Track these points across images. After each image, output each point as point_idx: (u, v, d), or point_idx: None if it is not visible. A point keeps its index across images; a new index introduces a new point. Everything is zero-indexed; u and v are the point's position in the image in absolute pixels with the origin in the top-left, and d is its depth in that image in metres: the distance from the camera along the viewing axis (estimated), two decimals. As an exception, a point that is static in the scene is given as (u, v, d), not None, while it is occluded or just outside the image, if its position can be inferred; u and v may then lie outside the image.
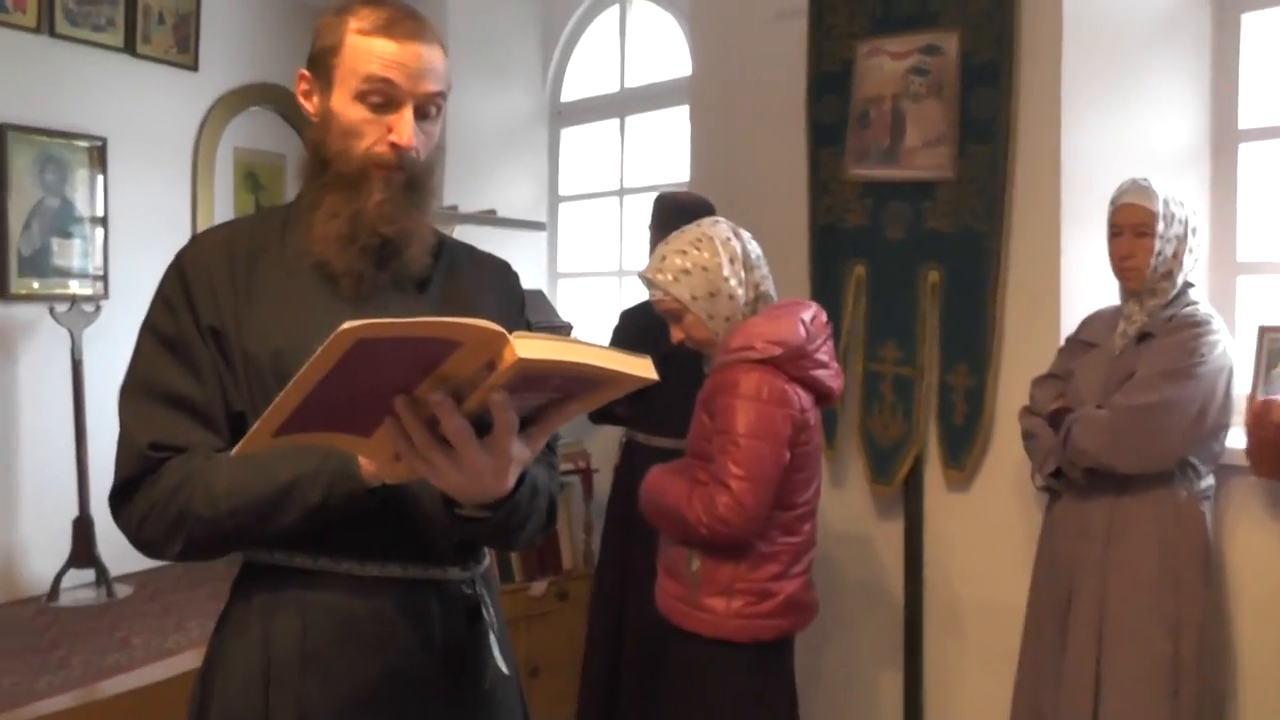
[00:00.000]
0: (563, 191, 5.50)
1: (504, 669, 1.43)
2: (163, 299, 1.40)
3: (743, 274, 2.41)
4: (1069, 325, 2.82)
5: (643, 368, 1.12)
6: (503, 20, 5.34)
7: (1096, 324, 2.69)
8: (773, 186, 3.52)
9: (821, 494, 2.49)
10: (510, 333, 1.00)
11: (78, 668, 4.04)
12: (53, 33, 4.84)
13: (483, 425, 1.10)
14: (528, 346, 1.00)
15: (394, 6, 1.40)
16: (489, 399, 1.06)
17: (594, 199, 5.33)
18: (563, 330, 4.35)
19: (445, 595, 1.42)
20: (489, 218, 4.82)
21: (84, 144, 5.13)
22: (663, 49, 4.84)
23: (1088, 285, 2.89)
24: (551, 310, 4.84)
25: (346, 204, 1.38)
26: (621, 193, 5.10)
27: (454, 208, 4.85)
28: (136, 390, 1.37)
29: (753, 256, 2.44)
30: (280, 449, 1.23)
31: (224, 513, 1.28)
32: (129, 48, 5.23)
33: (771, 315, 2.39)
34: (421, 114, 1.40)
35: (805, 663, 2.74)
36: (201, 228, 5.21)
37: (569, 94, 5.42)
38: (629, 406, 3.04)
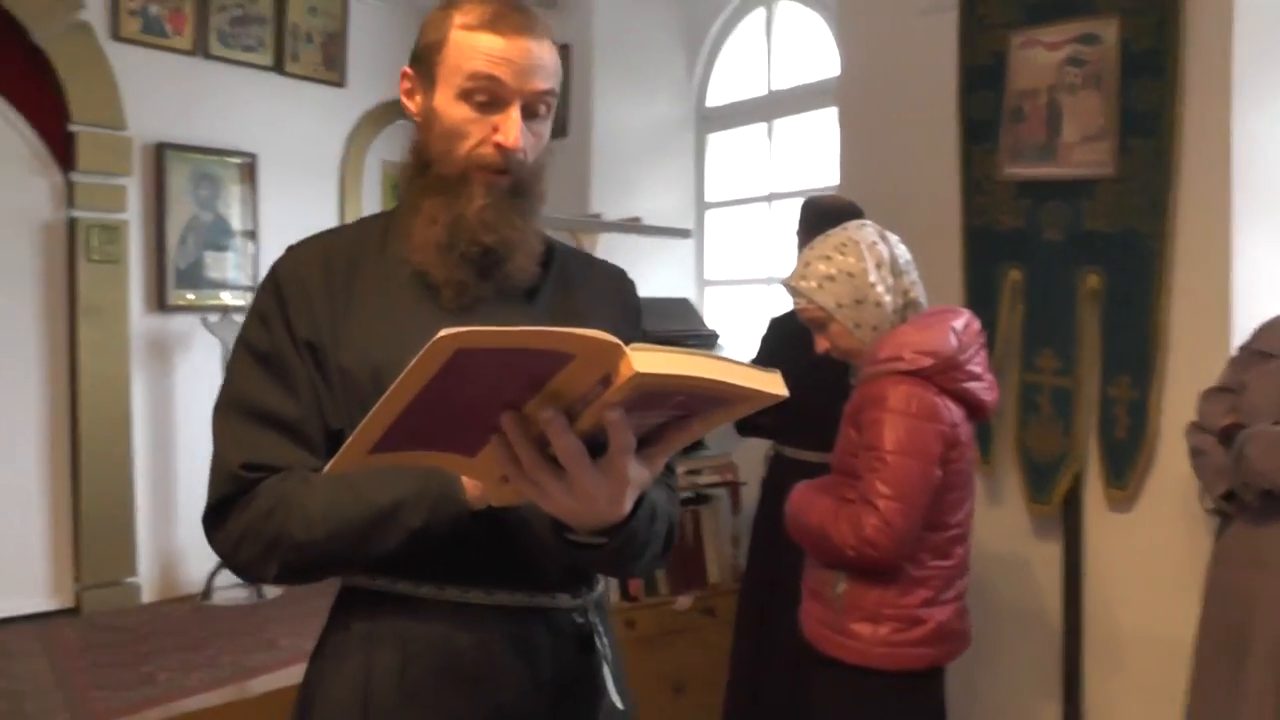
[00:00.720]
0: (709, 198, 5.42)
1: (619, 704, 1.33)
2: (257, 313, 1.33)
3: (890, 280, 2.28)
4: (1241, 333, 2.60)
5: (772, 384, 1.00)
6: (648, 26, 5.30)
7: (1274, 332, 2.46)
8: (924, 188, 3.37)
9: (976, 513, 2.34)
10: (628, 345, 0.91)
11: (227, 666, 4.15)
12: (206, 54, 5.02)
13: (597, 445, 1.01)
14: (646, 360, 0.91)
15: (502, 0, 1.31)
16: (604, 417, 0.96)
17: (741, 205, 5.23)
18: (709, 340, 4.25)
19: (555, 624, 1.33)
20: (634, 225, 4.76)
21: (236, 160, 5.30)
22: (810, 50, 4.71)
23: (1263, 290, 2.68)
24: (698, 319, 4.76)
25: (446, 209, 1.30)
26: (770, 198, 4.98)
27: (598, 216, 4.83)
28: (229, 408, 1.31)
29: (901, 261, 2.30)
30: (379, 469, 1.19)
31: (320, 537, 1.21)
32: (278, 67, 5.39)
33: (921, 324, 2.25)
34: (530, 113, 1.30)
35: (957, 690, 2.58)
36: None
37: (715, 99, 5.34)
38: (775, 418, 2.94)
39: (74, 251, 4.55)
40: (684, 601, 3.57)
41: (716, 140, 5.36)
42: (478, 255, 1.30)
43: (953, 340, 2.19)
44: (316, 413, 1.28)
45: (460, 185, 1.29)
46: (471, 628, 1.27)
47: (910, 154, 3.46)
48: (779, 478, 3.13)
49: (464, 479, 1.16)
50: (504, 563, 1.27)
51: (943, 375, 2.18)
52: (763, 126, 4.95)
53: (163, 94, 4.86)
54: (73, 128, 4.57)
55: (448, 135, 1.30)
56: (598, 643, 1.34)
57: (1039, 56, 2.97)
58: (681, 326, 4.02)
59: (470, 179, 1.29)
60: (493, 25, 1.27)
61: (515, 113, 1.28)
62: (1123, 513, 2.90)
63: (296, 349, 1.29)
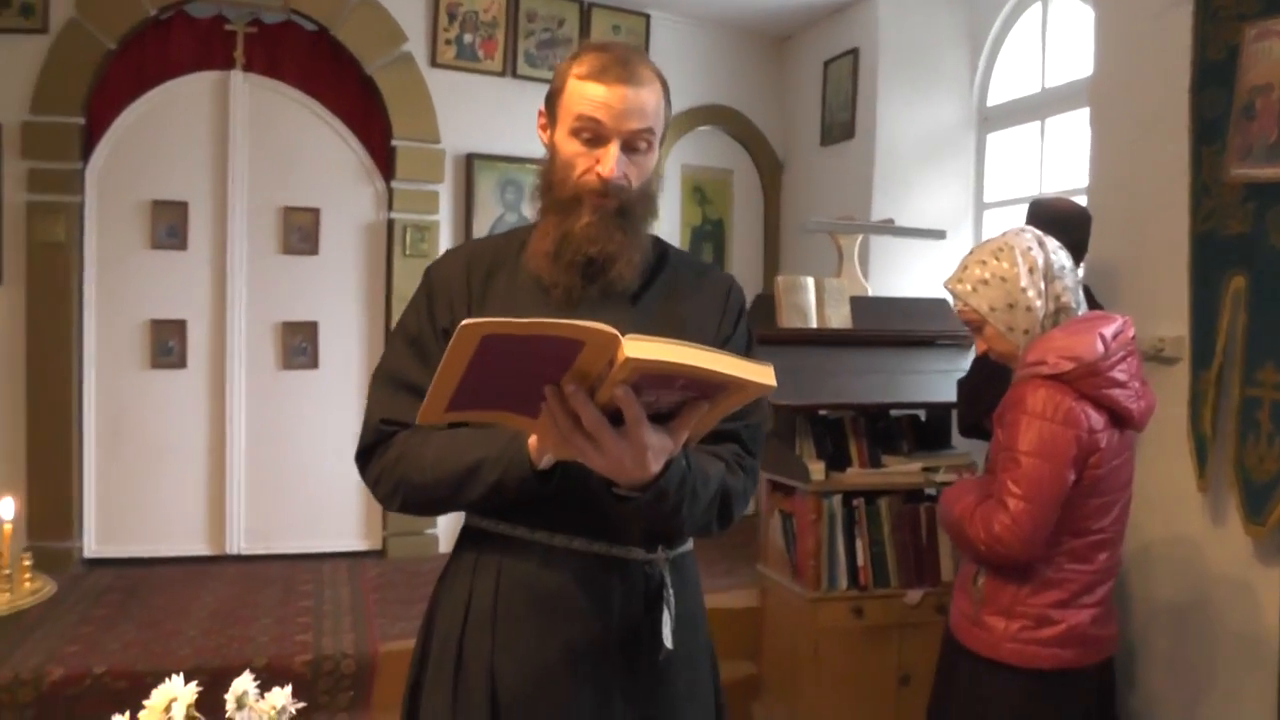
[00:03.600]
0: (988, 198, 5.36)
1: (669, 644, 1.56)
2: (413, 302, 1.71)
3: (1042, 285, 2.31)
4: None
5: (762, 374, 1.23)
6: (932, 27, 5.30)
7: None
8: (1159, 192, 3.24)
9: (1198, 533, 2.28)
10: (651, 336, 1.15)
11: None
12: (514, 74, 5.58)
13: (619, 416, 1.26)
14: (636, 347, 1.15)
15: (612, 54, 1.58)
16: (614, 394, 1.22)
17: (1017, 205, 5.13)
18: (964, 342, 4.25)
19: (628, 574, 1.58)
20: (888, 227, 4.84)
21: (537, 167, 5.84)
22: (1083, 45, 4.55)
23: None
24: (956, 320, 4.75)
25: (558, 226, 1.59)
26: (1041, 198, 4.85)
27: (850, 217, 4.94)
28: (381, 375, 1.68)
29: (1055, 267, 2.33)
30: (479, 432, 1.51)
31: (430, 481, 1.54)
32: (583, 83, 5.83)
33: (1071, 329, 2.27)
34: (630, 148, 1.57)
35: (1174, 717, 2.49)
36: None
37: (995, 98, 5.27)
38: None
39: (391, 247, 5.25)
40: (914, 596, 3.61)
41: (995, 140, 5.28)
42: (582, 263, 1.58)
43: (1099, 346, 2.20)
44: None
45: (573, 206, 1.58)
46: (554, 567, 1.57)
47: (1151, 157, 3.33)
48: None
49: (532, 438, 1.44)
50: (585, 516, 1.54)
51: (1084, 380, 2.20)
52: (1036, 125, 4.84)
53: (473, 111, 5.46)
54: (394, 143, 5.25)
55: (563, 165, 1.60)
56: (664, 594, 1.58)
57: (1274, 48, 2.80)
58: (939, 327, 4.05)
59: (582, 201, 1.58)
60: (598, 76, 1.56)
61: (614, 148, 1.56)
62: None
63: (435, 334, 1.64)
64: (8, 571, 1.71)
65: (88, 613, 4.11)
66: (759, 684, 3.98)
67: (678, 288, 1.69)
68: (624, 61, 1.57)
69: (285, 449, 5.06)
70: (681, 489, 1.41)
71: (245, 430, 5.06)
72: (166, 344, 4.93)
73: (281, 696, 1.24)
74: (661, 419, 1.30)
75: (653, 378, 1.19)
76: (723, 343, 1.65)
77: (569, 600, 1.56)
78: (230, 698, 1.21)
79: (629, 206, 1.59)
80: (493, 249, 1.72)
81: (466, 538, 1.68)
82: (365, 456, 1.64)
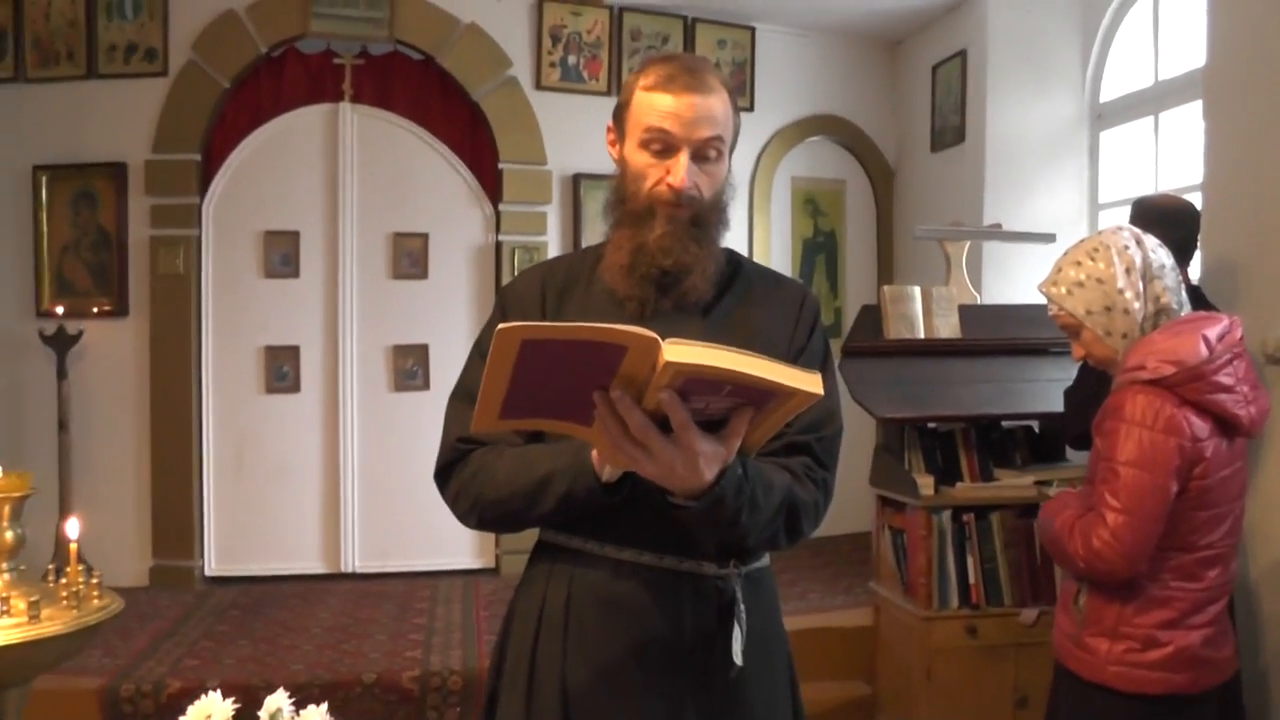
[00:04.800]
0: (1103, 199, 5.14)
1: (739, 661, 1.51)
2: (488, 322, 1.72)
3: (1140, 286, 2.18)
4: None
5: (809, 383, 1.19)
6: (1042, 24, 5.12)
7: None
8: (1282, 182, 3.04)
9: None
10: (693, 341, 1.14)
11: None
12: (619, 93, 5.60)
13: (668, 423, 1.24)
14: (676, 351, 1.14)
15: (677, 64, 1.57)
16: (659, 398, 1.19)
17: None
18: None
19: (700, 588, 1.55)
20: (995, 232, 4.68)
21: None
22: (1200, 34, 4.32)
23: None
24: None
25: (631, 238, 1.58)
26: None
27: (958, 223, 4.78)
28: (457, 393, 1.68)
29: (1154, 266, 2.19)
30: (551, 445, 1.51)
31: (504, 496, 1.54)
32: (691, 97, 5.83)
33: (1172, 331, 2.13)
34: (700, 157, 1.56)
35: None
36: (758, 253, 5.74)
37: (1108, 93, 5.05)
38: None
39: (500, 270, 5.31)
40: (1029, 615, 3.47)
41: (1109, 138, 5.06)
42: (657, 275, 1.57)
43: (1202, 349, 2.07)
44: None
45: (646, 217, 1.58)
46: (624, 579, 1.55)
47: (1270, 147, 3.12)
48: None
49: (594, 454, 1.43)
50: (655, 529, 1.51)
51: (1186, 386, 2.06)
52: (1150, 121, 4.60)
53: (579, 131, 5.47)
54: (501, 166, 5.33)
55: (634, 177, 1.59)
56: (736, 609, 1.54)
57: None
58: (1052, 334, 3.89)
59: (655, 212, 1.57)
60: (665, 86, 1.55)
61: (684, 158, 1.55)
62: None
63: None
64: (77, 588, 1.76)
65: (211, 628, 4.27)
66: (874, 704, 3.88)
67: (751, 299, 1.67)
68: (690, 70, 1.56)
69: (399, 469, 5.15)
70: (739, 496, 1.38)
71: (359, 451, 5.19)
72: (281, 369, 5.10)
73: (317, 714, 1.24)
74: (712, 427, 1.27)
75: (698, 383, 1.17)
76: (796, 354, 1.61)
77: (640, 610, 1.54)
78: (264, 714, 1.21)
79: (702, 217, 1.58)
80: (566, 266, 1.72)
81: (540, 551, 1.67)
82: (444, 475, 1.64)
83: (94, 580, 1.79)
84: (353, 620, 4.41)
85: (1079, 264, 2.24)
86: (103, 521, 4.85)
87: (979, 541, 3.44)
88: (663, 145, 1.54)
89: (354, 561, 5.18)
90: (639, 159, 1.57)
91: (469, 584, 5.07)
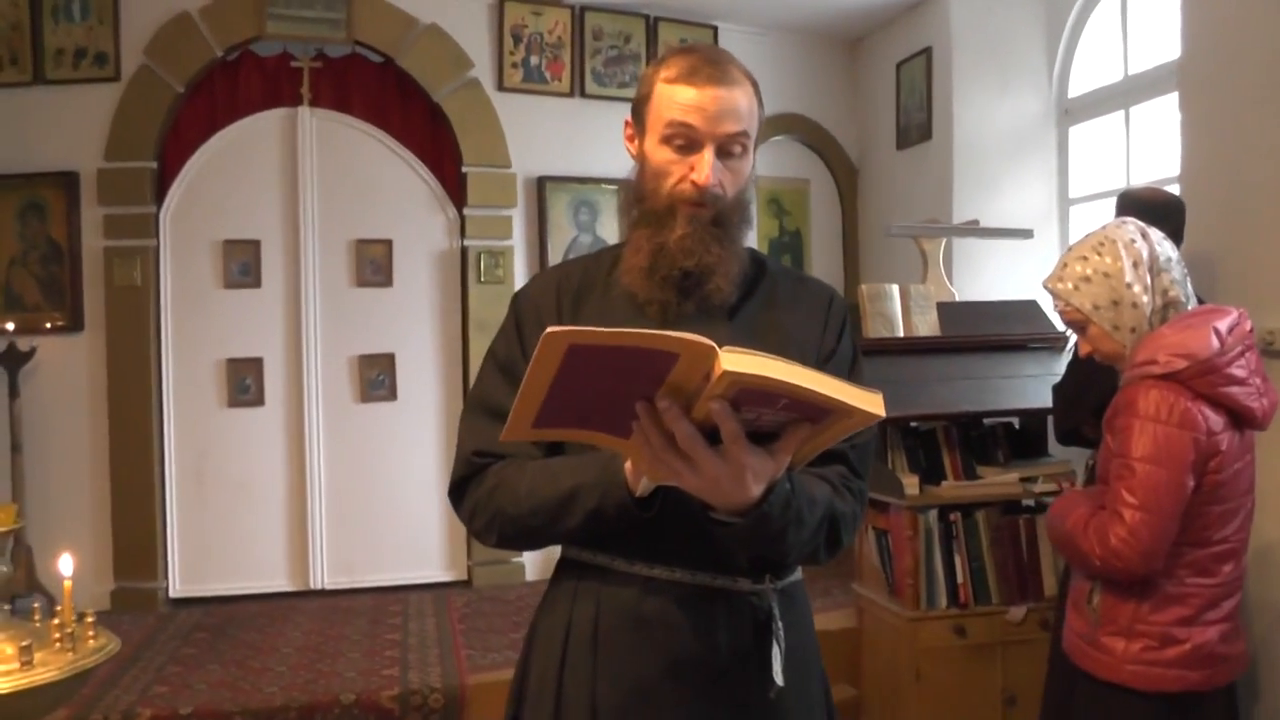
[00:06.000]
0: (1073, 194, 5.15)
1: (778, 680, 1.44)
2: (502, 330, 1.62)
3: (1148, 279, 2.15)
4: None
5: (869, 402, 1.12)
6: (1007, 20, 5.12)
7: None
8: (1261, 173, 3.04)
9: None
10: (751, 350, 1.07)
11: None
12: (583, 94, 5.52)
13: (717, 435, 1.17)
14: (734, 360, 1.06)
15: (700, 55, 1.49)
16: (710, 407, 1.12)
17: (1104, 199, 4.91)
18: (1057, 343, 4.08)
19: (734, 605, 1.47)
20: (972, 229, 4.66)
21: (611, 188, 5.74)
22: (1167, 28, 4.34)
23: None
24: (1047, 321, 4.56)
25: (650, 239, 1.49)
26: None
27: (934, 220, 4.77)
28: (472, 404, 1.59)
29: (1161, 259, 2.17)
30: (574, 458, 1.42)
31: (526, 512, 1.45)
32: (647, 100, 5.77)
33: (1182, 324, 2.11)
34: (725, 153, 1.47)
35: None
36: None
37: (1076, 89, 5.06)
38: (1095, 428, 2.82)
39: (466, 275, 5.22)
40: (1016, 613, 3.46)
41: (1077, 133, 5.07)
42: (678, 277, 1.49)
43: (1213, 342, 2.04)
44: None
45: (666, 217, 1.49)
46: (655, 596, 1.46)
47: (1248, 138, 3.13)
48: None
49: (626, 468, 1.35)
50: (687, 545, 1.44)
51: (1199, 379, 2.04)
52: (1120, 116, 4.62)
53: (543, 133, 5.41)
54: (465, 169, 5.23)
55: (655, 175, 1.50)
56: (773, 625, 1.47)
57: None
58: (1030, 330, 3.90)
59: (676, 211, 1.48)
60: (688, 78, 1.46)
61: (708, 154, 1.46)
62: None
63: (526, 359, 1.54)
64: (71, 629, 1.64)
65: (177, 652, 4.12)
66: (860, 707, 3.84)
67: (776, 300, 1.59)
68: (714, 61, 1.48)
69: (366, 482, 5.04)
70: (786, 513, 1.31)
71: (325, 465, 5.06)
72: (244, 382, 4.96)
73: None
74: (761, 440, 1.20)
75: (752, 394, 1.10)
76: (826, 356, 1.55)
77: (672, 628, 1.45)
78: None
79: (725, 216, 1.49)
80: (581, 269, 1.63)
81: (564, 568, 1.59)
82: (459, 490, 1.55)
83: (88, 620, 1.66)
84: (324, 639, 4.28)
85: (1085, 259, 2.21)
86: (61, 545, 4.62)
87: (965, 540, 3.42)
88: (686, 140, 1.46)
89: (322, 578, 5.04)
90: (660, 155, 1.48)
91: (440, 597, 4.96)
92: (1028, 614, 3.41)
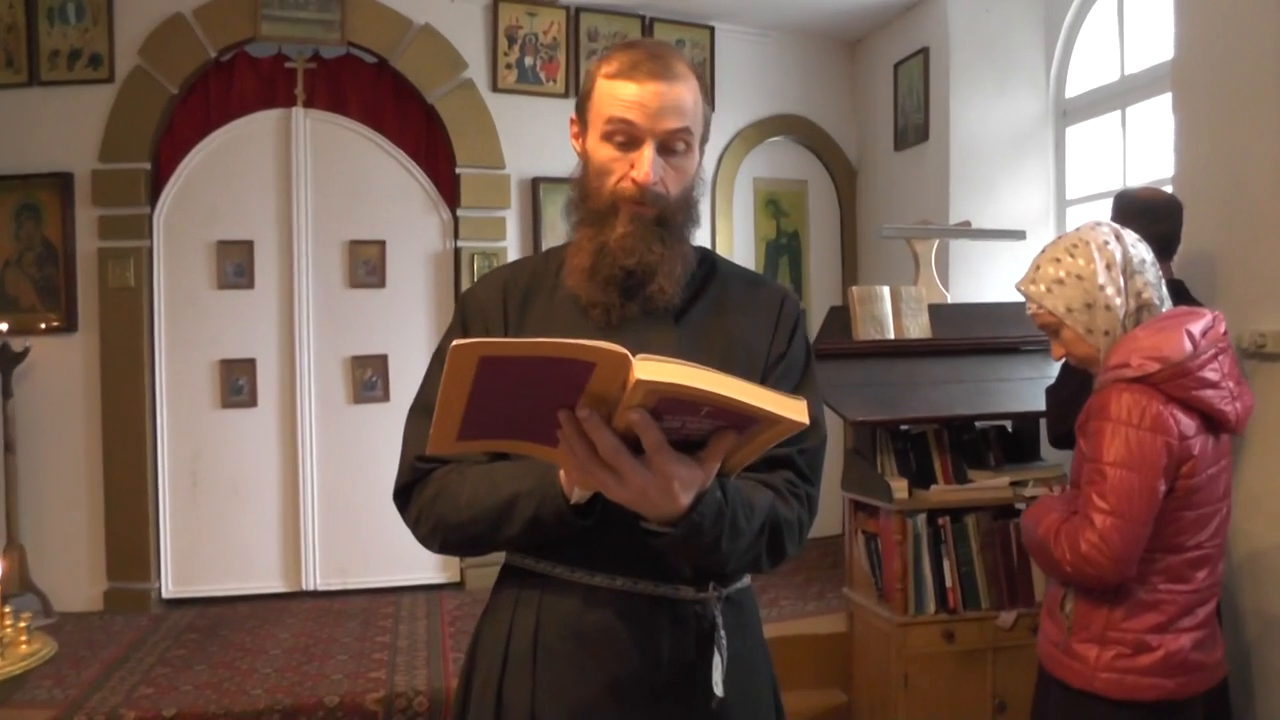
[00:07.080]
0: (1070, 195, 5.11)
1: (718, 691, 1.41)
2: (447, 332, 1.60)
3: (1121, 281, 2.12)
4: None
5: (790, 409, 1.10)
6: (1004, 20, 5.10)
7: None
8: (1256, 174, 3.00)
9: None
10: (666, 358, 1.04)
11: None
12: (577, 95, 5.51)
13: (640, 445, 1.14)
14: (649, 369, 1.04)
15: (642, 50, 1.46)
16: (628, 417, 1.10)
17: (1101, 200, 4.86)
18: (1046, 345, 4.05)
19: (677, 614, 1.45)
20: (965, 230, 4.63)
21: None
22: (1166, 27, 4.29)
23: None
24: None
25: (593, 239, 1.47)
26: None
27: (926, 222, 4.74)
28: (416, 408, 1.56)
29: (1135, 261, 2.14)
30: (516, 464, 1.39)
31: (467, 520, 1.42)
32: (644, 98, 5.75)
33: (1155, 327, 2.08)
34: (667, 150, 1.45)
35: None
36: (722, 253, 5.63)
37: (1074, 89, 5.02)
38: None
39: (459, 276, 5.20)
40: (1007, 618, 3.42)
41: (1075, 134, 5.03)
42: (620, 278, 1.46)
43: (1186, 345, 2.01)
44: None
45: (609, 216, 1.46)
46: (597, 606, 1.44)
47: (1243, 138, 3.09)
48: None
49: (563, 475, 1.32)
50: (628, 553, 1.40)
51: (1171, 383, 2.01)
52: (1116, 116, 4.58)
53: (537, 134, 5.38)
54: (459, 170, 5.22)
55: (597, 173, 1.48)
56: (716, 635, 1.44)
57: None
58: (1023, 332, 3.86)
59: (618, 210, 1.45)
60: (629, 73, 1.43)
61: (648, 150, 1.43)
62: None
63: None
64: (2, 634, 1.61)
65: (166, 653, 4.12)
66: (850, 712, 3.82)
67: (726, 302, 1.55)
68: (656, 56, 1.44)
69: (360, 483, 5.02)
70: (719, 522, 1.28)
71: (318, 466, 5.06)
72: (237, 383, 4.96)
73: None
74: (691, 448, 1.17)
75: (674, 402, 1.07)
76: (776, 360, 1.52)
77: (614, 640, 1.43)
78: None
79: (669, 215, 1.47)
80: (530, 270, 1.60)
81: (506, 575, 1.56)
82: (404, 496, 1.52)
83: (21, 624, 1.63)
84: (314, 640, 4.28)
85: (1058, 260, 2.18)
86: (54, 545, 4.71)
87: (955, 545, 3.38)
88: (626, 137, 1.43)
89: (315, 579, 5.04)
90: (602, 153, 1.46)
91: (433, 599, 4.95)
92: (1018, 619, 3.37)
